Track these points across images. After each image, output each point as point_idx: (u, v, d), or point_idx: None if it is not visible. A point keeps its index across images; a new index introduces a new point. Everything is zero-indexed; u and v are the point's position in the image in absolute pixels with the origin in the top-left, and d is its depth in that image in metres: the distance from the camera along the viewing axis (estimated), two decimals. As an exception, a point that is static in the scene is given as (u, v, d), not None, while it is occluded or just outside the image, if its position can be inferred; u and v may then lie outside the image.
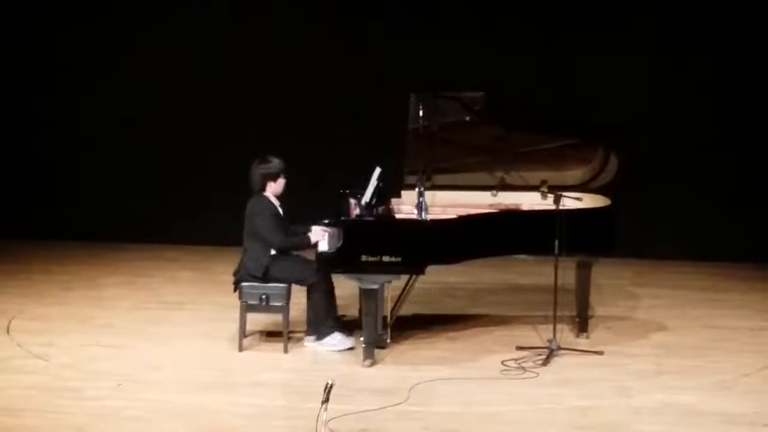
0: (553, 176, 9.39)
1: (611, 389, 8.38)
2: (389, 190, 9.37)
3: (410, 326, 9.63)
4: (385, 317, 9.18)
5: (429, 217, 8.95)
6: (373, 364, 8.82)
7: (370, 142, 11.33)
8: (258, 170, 9.16)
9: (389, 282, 9.00)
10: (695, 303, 10.69)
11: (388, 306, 9.34)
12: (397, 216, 9.29)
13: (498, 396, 8.22)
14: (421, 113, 9.07)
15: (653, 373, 8.74)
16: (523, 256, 9.43)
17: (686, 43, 12.03)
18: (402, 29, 12.29)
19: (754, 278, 11.52)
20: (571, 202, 9.09)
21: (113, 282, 11.19)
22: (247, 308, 9.09)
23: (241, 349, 9.10)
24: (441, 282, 10.77)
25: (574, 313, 9.58)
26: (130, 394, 8.15)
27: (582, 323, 9.50)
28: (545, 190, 9.04)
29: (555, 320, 8.99)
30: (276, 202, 9.18)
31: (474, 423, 7.73)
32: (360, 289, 8.89)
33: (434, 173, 9.42)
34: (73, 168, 12.79)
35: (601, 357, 9.04)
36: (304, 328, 9.25)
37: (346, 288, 9.44)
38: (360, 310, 9.18)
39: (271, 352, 9.09)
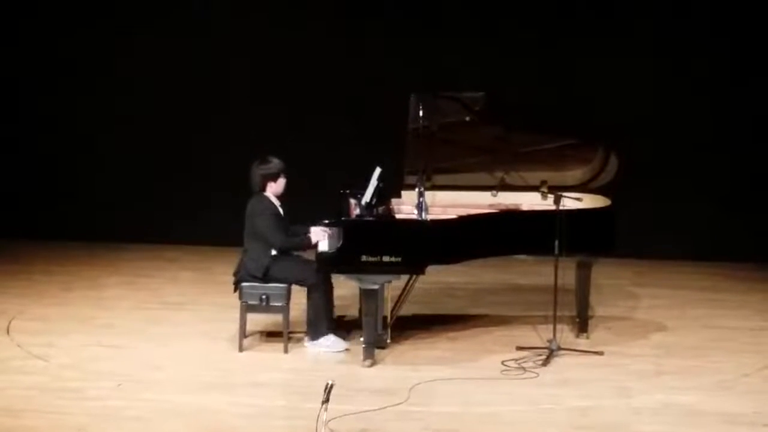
0: (553, 176, 9.38)
1: (611, 389, 8.38)
2: (389, 190, 9.36)
3: (410, 326, 9.62)
4: (385, 317, 9.19)
5: (429, 217, 8.95)
6: (373, 364, 8.82)
7: (370, 142, 11.32)
8: (258, 170, 9.15)
9: (389, 282, 9.00)
10: (695, 303, 10.69)
11: (388, 306, 9.34)
12: (398, 216, 9.29)
13: (498, 396, 8.22)
14: (421, 113, 9.06)
15: (653, 373, 8.74)
16: (523, 256, 9.45)
17: (686, 43, 12.02)
18: (402, 29, 12.28)
19: (754, 278, 11.51)
20: (571, 202, 9.09)
21: (113, 282, 11.19)
22: (247, 308, 9.09)
23: (241, 349, 9.10)
24: (441, 282, 10.76)
25: (574, 313, 9.58)
26: (131, 394, 8.15)
27: (582, 323, 9.50)
28: (545, 190, 9.03)
29: (555, 320, 8.99)
30: (276, 203, 9.17)
31: (474, 423, 7.73)
32: (360, 289, 8.89)
33: (434, 173, 9.41)
34: (73, 168, 12.78)
35: (601, 357, 9.03)
36: (304, 328, 9.25)
37: (346, 288, 9.45)
38: (360, 310, 9.18)
39: (271, 353, 9.09)
